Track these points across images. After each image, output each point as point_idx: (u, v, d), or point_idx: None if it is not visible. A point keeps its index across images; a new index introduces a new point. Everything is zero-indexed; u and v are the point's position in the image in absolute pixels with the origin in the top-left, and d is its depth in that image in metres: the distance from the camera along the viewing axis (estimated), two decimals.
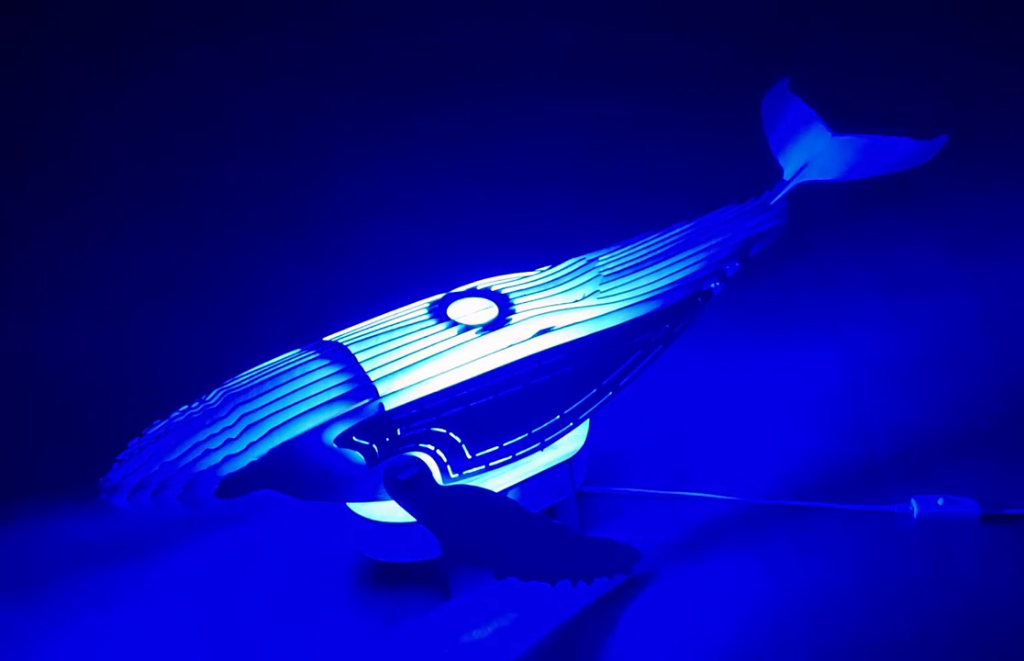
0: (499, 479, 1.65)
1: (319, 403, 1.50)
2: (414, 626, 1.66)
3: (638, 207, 2.52)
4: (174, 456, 1.47)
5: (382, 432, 1.53)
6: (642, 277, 1.73)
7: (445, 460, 1.59)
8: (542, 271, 1.75)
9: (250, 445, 1.47)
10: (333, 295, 2.26)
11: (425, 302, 1.67)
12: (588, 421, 1.73)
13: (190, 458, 1.47)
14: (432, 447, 1.57)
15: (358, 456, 1.52)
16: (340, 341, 1.60)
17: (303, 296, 2.30)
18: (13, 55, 3.16)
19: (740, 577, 1.73)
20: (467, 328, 1.61)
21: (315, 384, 1.53)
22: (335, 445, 1.50)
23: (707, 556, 1.77)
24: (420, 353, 1.57)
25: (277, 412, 1.50)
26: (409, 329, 1.61)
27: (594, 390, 1.68)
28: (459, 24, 3.40)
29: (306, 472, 1.50)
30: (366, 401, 1.52)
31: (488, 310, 1.64)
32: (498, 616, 1.67)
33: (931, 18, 3.40)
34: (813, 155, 1.88)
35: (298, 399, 1.51)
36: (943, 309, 2.29)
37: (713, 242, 1.78)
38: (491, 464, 1.63)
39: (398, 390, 1.53)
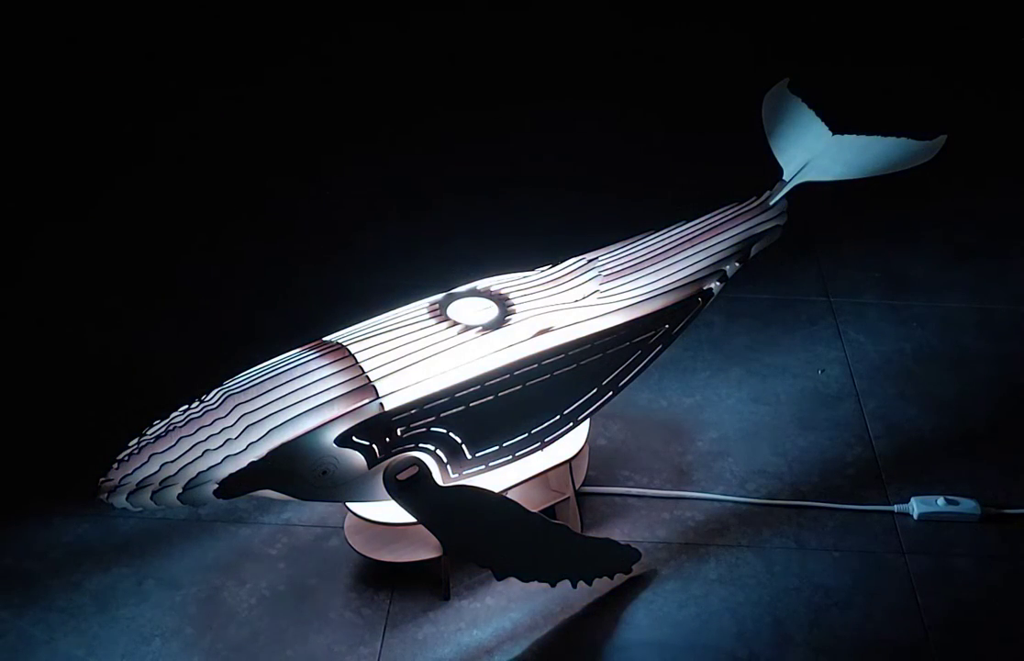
0: (499, 479, 1.66)
1: (319, 403, 1.50)
2: (414, 626, 1.66)
3: (638, 207, 2.52)
4: (174, 456, 1.47)
5: (382, 432, 1.53)
6: (642, 277, 1.73)
7: (445, 460, 1.59)
8: (542, 271, 1.75)
9: (250, 445, 1.47)
10: (333, 295, 2.26)
11: (425, 302, 1.67)
12: (588, 421, 1.73)
13: (190, 458, 1.47)
14: (432, 447, 1.57)
15: (358, 456, 1.52)
16: (340, 341, 1.60)
17: (303, 296, 2.30)
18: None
19: (740, 577, 1.74)
20: (467, 328, 1.61)
21: (315, 384, 1.53)
22: (335, 445, 1.50)
23: (707, 556, 1.77)
24: (420, 353, 1.57)
25: (277, 412, 1.50)
26: (409, 329, 1.61)
27: (594, 390, 1.68)
28: (461, 27, 3.40)
29: (306, 472, 1.50)
30: (366, 401, 1.52)
31: (488, 310, 1.64)
32: (498, 616, 1.68)
33: (931, 19, 3.40)
34: (813, 155, 1.88)
35: (298, 399, 1.51)
36: (943, 309, 2.29)
37: (713, 242, 1.78)
38: (491, 464, 1.63)
39: (398, 390, 1.53)
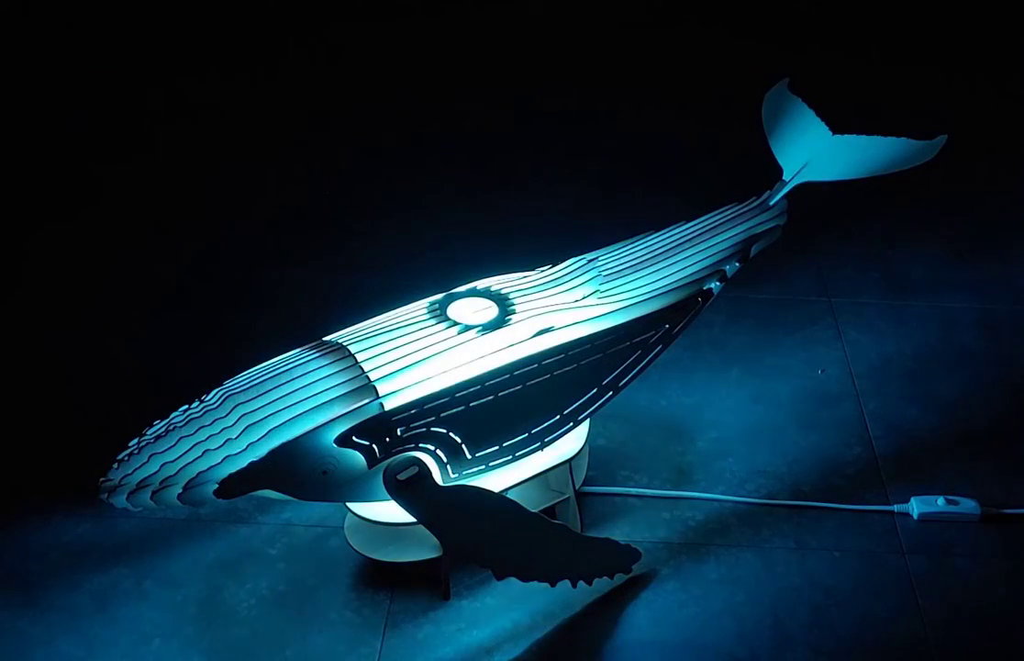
0: (499, 479, 1.66)
1: (319, 403, 1.50)
2: (414, 626, 1.66)
3: (638, 207, 2.52)
4: (174, 456, 1.47)
5: (382, 432, 1.53)
6: (642, 277, 1.73)
7: (445, 460, 1.59)
8: (542, 271, 1.75)
9: (250, 445, 1.47)
10: (333, 295, 2.26)
11: (425, 302, 1.67)
12: (588, 421, 1.73)
13: (190, 458, 1.47)
14: (432, 447, 1.57)
15: (358, 456, 1.52)
16: (340, 341, 1.60)
17: (303, 296, 2.30)
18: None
19: (740, 577, 1.74)
20: (467, 328, 1.61)
21: (315, 384, 1.53)
22: (335, 445, 1.50)
23: (707, 556, 1.77)
24: (420, 353, 1.57)
25: (277, 412, 1.50)
26: (409, 329, 1.61)
27: (594, 390, 1.68)
28: (461, 27, 3.40)
29: (306, 472, 1.50)
30: (366, 401, 1.52)
31: (488, 310, 1.64)
32: (498, 616, 1.67)
33: (932, 20, 3.40)
34: (813, 155, 1.88)
35: (298, 399, 1.51)
36: (943, 309, 2.29)
37: (713, 242, 1.78)
38: (491, 464, 1.63)
39: (398, 390, 1.53)
